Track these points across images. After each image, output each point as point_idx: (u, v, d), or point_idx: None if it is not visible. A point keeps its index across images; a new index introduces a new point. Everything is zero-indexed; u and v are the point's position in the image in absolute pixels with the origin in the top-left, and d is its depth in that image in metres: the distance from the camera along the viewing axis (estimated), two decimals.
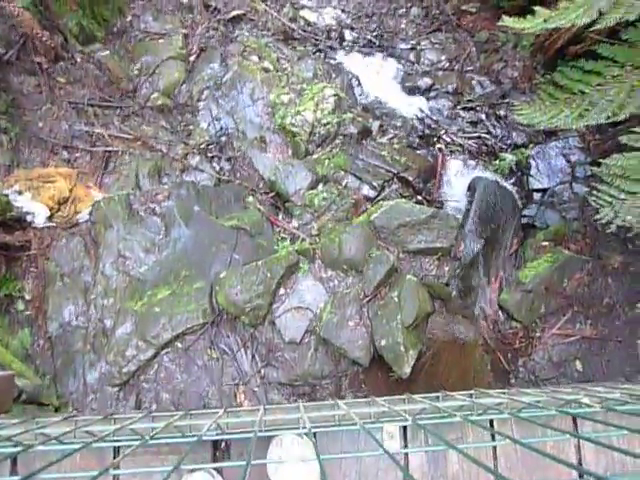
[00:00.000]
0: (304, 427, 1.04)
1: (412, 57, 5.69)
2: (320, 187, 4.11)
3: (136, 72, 4.49)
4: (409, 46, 5.80)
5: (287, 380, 3.38)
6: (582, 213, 3.94)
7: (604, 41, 2.91)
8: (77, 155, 3.85)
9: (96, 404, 3.24)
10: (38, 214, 3.43)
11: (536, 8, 2.89)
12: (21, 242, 3.33)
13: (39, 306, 3.34)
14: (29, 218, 3.44)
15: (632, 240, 3.53)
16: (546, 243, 3.84)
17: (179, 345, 3.33)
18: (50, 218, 3.51)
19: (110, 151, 3.92)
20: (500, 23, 3.06)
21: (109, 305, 3.41)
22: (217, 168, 4.22)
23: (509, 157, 4.45)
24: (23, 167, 3.61)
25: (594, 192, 2.41)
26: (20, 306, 3.33)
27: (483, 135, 4.77)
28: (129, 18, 4.89)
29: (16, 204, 3.36)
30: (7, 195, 3.35)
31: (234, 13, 5.24)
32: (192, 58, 4.74)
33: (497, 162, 4.46)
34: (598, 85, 2.81)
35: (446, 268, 3.82)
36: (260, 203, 4.10)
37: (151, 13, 4.99)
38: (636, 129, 2.44)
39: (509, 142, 4.73)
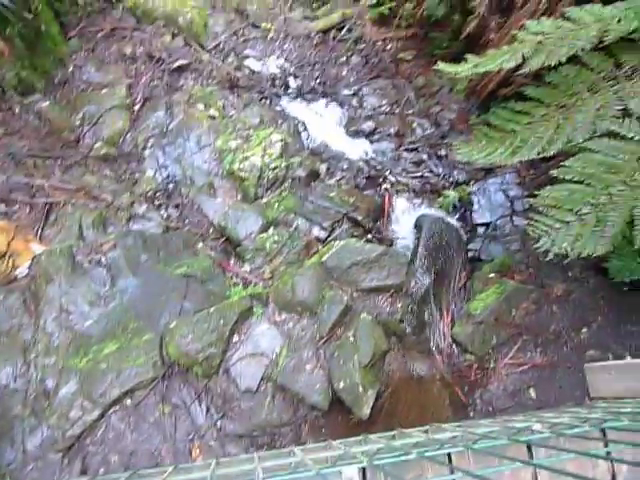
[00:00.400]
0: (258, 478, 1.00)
1: (355, 102, 5.92)
2: (271, 230, 4.12)
3: (78, 122, 4.42)
4: (351, 92, 6.05)
5: (245, 431, 3.24)
6: (524, 244, 4.12)
7: (530, 84, 3.15)
8: (16, 208, 3.70)
9: (37, 473, 2.97)
10: None
11: (467, 55, 3.11)
12: None
13: None
14: None
15: (571, 267, 3.71)
16: (493, 275, 3.97)
17: (128, 402, 3.15)
18: None
19: (51, 203, 3.79)
20: (435, 68, 3.26)
21: (51, 364, 3.20)
22: (165, 216, 4.15)
23: (452, 194, 4.63)
24: None
25: (532, 223, 2.55)
26: None
27: (426, 174, 4.97)
28: (70, 69, 4.85)
29: None
30: None
31: (178, 63, 5.31)
32: (137, 107, 4.73)
33: (441, 199, 4.64)
34: (528, 124, 3.02)
35: (399, 305, 3.86)
36: (210, 249, 4.05)
37: (93, 64, 4.98)
38: (565, 163, 2.62)
39: (451, 180, 4.95)
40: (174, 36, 5.57)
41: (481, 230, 4.51)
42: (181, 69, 5.28)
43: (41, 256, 3.46)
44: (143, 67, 5.13)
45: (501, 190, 4.66)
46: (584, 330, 3.48)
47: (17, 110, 3.96)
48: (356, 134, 5.49)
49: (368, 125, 5.52)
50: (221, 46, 6.00)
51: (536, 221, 2.49)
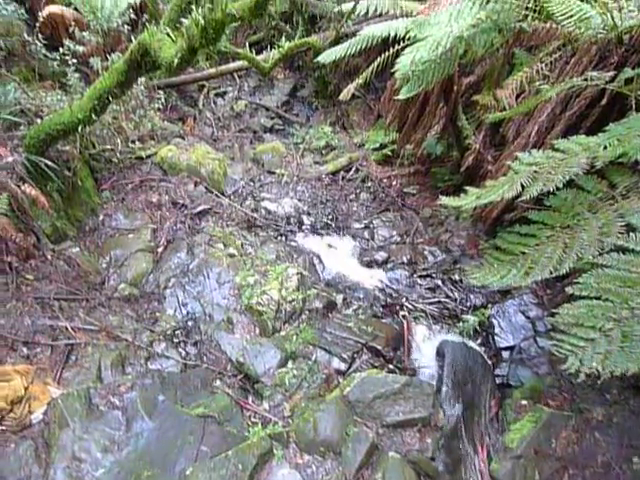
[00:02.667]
0: None
1: (366, 234, 6.20)
2: (290, 364, 4.05)
3: (105, 265, 4.66)
4: (362, 225, 6.37)
5: None
6: (552, 367, 3.96)
7: (533, 208, 3.31)
8: (37, 350, 3.73)
9: None
10: None
11: (467, 188, 3.33)
12: None
13: None
14: None
15: (607, 388, 3.51)
16: (525, 402, 3.76)
17: None
18: (0, 422, 3.22)
19: (73, 344, 3.82)
20: (439, 202, 3.47)
21: None
22: (183, 353, 4.14)
23: (471, 318, 4.59)
24: None
25: (556, 343, 2.49)
26: None
27: (443, 299, 4.99)
28: (101, 217, 5.25)
29: None
30: None
31: (200, 208, 5.73)
32: (160, 249, 5.00)
33: (461, 324, 4.59)
34: (536, 245, 3.11)
35: (429, 440, 3.61)
36: (228, 387, 3.94)
37: (122, 212, 5.39)
38: (579, 280, 2.64)
39: (469, 304, 4.95)
40: (196, 185, 6.09)
41: (506, 354, 4.37)
42: (202, 213, 5.68)
43: (58, 400, 3.39)
44: (167, 213, 5.52)
45: (520, 311, 4.62)
46: (635, 459, 3.17)
47: (49, 257, 4.21)
48: (370, 264, 5.65)
49: (381, 255, 5.70)
50: (239, 191, 6.51)
51: (560, 341, 2.44)
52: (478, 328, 4.57)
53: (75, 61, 5.35)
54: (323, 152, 7.98)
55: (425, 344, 4.55)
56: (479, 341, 4.53)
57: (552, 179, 2.84)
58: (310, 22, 9.00)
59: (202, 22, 2.82)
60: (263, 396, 3.86)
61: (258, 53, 6.35)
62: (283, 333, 4.34)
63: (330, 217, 6.41)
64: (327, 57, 4.88)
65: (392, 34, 4.27)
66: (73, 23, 5.70)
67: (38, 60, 5.76)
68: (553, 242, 2.96)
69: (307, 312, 4.60)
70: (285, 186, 6.95)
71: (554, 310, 2.58)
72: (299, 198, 6.79)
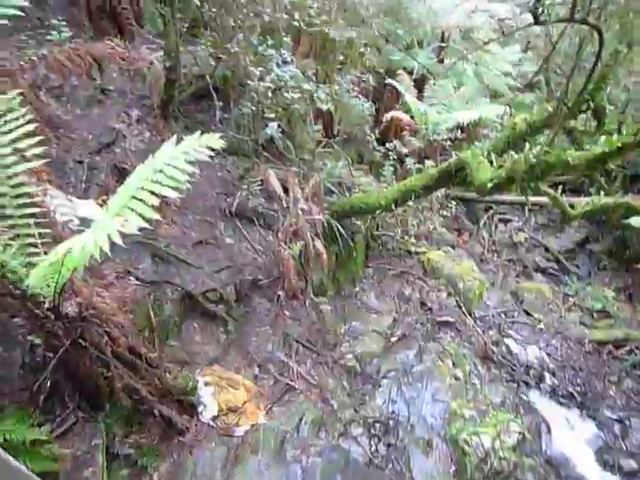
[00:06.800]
0: None
1: (617, 430, 5.12)
2: None
3: (342, 331, 5.03)
4: (616, 417, 5.29)
5: None
6: None
7: None
8: (264, 376, 4.22)
9: None
10: (209, 410, 3.68)
11: None
12: (182, 425, 3.52)
13: None
14: (200, 409, 3.70)
15: None
16: None
17: None
18: (214, 419, 3.72)
19: (291, 385, 4.19)
20: None
21: None
22: (373, 448, 4.06)
23: None
24: (222, 365, 4.07)
25: None
26: None
27: None
28: (357, 288, 5.75)
29: (199, 392, 3.70)
30: (198, 381, 3.74)
31: (444, 318, 5.71)
32: (393, 339, 5.15)
33: None
34: None
35: None
36: None
37: (375, 292, 5.80)
38: None
39: None
40: (449, 295, 6.12)
41: None
42: (444, 324, 5.64)
43: (260, 427, 3.74)
44: (412, 310, 5.69)
45: None
46: None
47: (307, 304, 4.79)
48: (609, 467, 4.61)
49: (629, 464, 4.60)
50: (487, 319, 6.24)
51: None
52: None
53: (395, 157, 6.17)
54: (595, 315, 7.05)
55: None
56: None
57: None
58: (631, 180, 8.34)
59: (532, 160, 2.91)
60: None
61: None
62: None
63: (578, 389, 5.53)
64: None
65: None
66: (407, 127, 6.64)
67: (366, 148, 6.86)
68: None
69: (513, 479, 4.00)
70: (538, 333, 6.35)
71: None
72: (549, 352, 6.10)
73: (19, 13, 2.33)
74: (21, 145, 2.29)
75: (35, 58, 2.59)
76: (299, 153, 5.83)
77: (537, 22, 2.41)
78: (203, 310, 4.25)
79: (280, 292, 4.66)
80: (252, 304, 4.59)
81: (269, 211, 5.11)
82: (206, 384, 3.86)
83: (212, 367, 4.06)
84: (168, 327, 3.97)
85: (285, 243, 4.59)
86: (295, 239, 4.66)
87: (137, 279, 3.83)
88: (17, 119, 2.26)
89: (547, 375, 5.65)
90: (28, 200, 2.27)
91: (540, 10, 2.32)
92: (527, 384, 5.41)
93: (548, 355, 6.04)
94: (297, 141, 5.90)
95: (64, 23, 3.76)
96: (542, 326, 6.45)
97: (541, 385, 5.47)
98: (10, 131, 2.25)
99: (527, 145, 3.47)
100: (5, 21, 2.25)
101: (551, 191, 4.98)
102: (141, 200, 1.98)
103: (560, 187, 6.73)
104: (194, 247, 4.51)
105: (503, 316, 6.45)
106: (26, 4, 2.34)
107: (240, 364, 4.25)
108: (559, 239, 8.90)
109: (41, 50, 2.65)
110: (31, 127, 2.28)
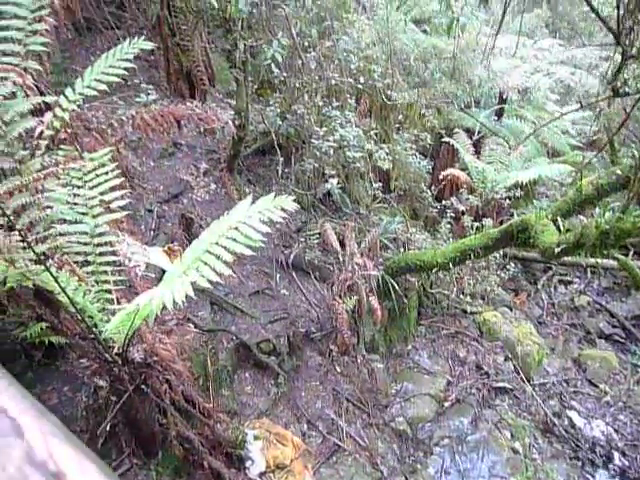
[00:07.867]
0: None
1: None
2: None
3: (394, 392, 4.88)
4: None
5: None
6: None
7: None
8: (313, 433, 4.11)
9: None
10: (257, 466, 3.60)
11: None
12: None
13: None
14: (248, 464, 3.63)
15: None
16: None
17: None
18: (261, 475, 3.63)
19: (339, 446, 4.06)
20: None
21: None
22: None
23: None
24: (271, 418, 4.01)
25: None
26: None
27: None
28: (409, 347, 5.60)
29: (248, 446, 3.65)
30: (247, 434, 3.69)
31: (501, 384, 5.43)
32: (447, 404, 4.93)
33: None
34: None
35: None
36: None
37: (428, 352, 5.62)
38: None
39: None
40: (507, 359, 5.84)
41: None
42: (501, 390, 5.36)
43: None
44: (467, 373, 5.45)
45: None
46: None
47: (358, 360, 4.70)
48: None
49: None
50: (548, 387, 5.89)
51: None
52: None
53: (451, 215, 6.14)
54: None
55: None
56: None
57: None
58: None
59: (605, 227, 2.82)
60: None
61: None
62: None
63: None
64: None
65: None
66: (464, 185, 6.61)
67: (422, 204, 6.87)
68: None
69: None
70: (603, 407, 5.90)
71: None
72: (616, 428, 5.63)
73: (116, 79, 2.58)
74: (107, 197, 2.47)
75: (124, 118, 2.83)
76: (355, 208, 5.92)
77: (616, 94, 2.39)
78: (256, 360, 4.26)
79: (332, 346, 4.61)
80: (304, 357, 4.55)
81: (324, 264, 5.15)
82: (255, 438, 3.80)
83: (261, 420, 4.01)
84: (222, 376, 3.99)
85: (339, 297, 4.58)
86: (349, 293, 4.64)
87: (195, 326, 3.91)
88: (106, 173, 2.45)
89: (616, 454, 5.19)
90: (109, 249, 2.41)
91: (619, 84, 2.30)
92: (593, 463, 4.99)
93: (616, 431, 5.58)
94: (354, 196, 6.01)
95: (151, 87, 4.08)
96: (608, 398, 5.99)
97: (609, 465, 5.03)
98: (99, 184, 2.43)
99: (597, 209, 3.37)
100: (104, 86, 2.48)
101: (621, 257, 4.77)
102: (215, 255, 2.06)
103: (631, 251, 6.41)
104: (250, 297, 4.59)
105: (565, 385, 6.06)
106: (132, 65, 2.58)
107: (289, 419, 4.18)
108: (625, 304, 8.40)
109: (130, 111, 2.89)
110: (117, 181, 2.46)
